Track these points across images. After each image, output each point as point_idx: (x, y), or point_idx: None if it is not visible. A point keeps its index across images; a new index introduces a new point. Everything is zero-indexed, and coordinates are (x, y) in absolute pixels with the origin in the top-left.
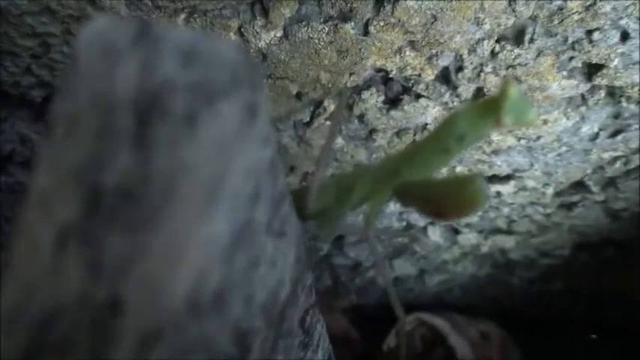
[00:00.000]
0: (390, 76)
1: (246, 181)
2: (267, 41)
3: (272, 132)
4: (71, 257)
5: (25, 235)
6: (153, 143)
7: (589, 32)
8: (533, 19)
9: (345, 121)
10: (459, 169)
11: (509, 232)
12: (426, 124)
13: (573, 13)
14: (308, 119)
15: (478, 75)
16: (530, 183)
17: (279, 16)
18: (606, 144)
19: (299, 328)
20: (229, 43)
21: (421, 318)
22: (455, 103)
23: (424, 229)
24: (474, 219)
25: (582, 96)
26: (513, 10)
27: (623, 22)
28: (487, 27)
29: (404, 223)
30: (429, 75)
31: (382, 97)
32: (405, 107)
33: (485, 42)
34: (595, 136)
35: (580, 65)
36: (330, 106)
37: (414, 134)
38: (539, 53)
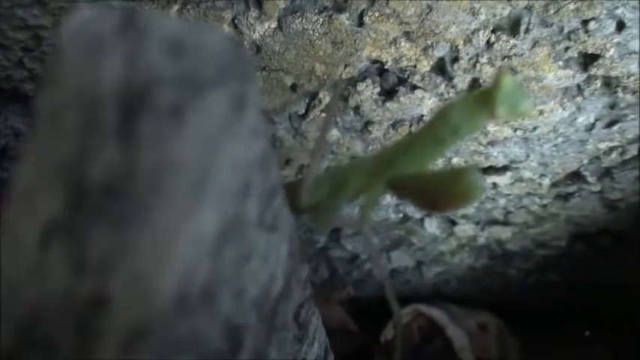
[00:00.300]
0: (386, 67)
1: (234, 175)
2: (262, 33)
3: (263, 124)
4: (56, 254)
5: (9, 232)
6: (138, 137)
7: (585, 22)
8: (529, 9)
9: (340, 113)
10: (455, 160)
11: (505, 223)
12: (422, 115)
13: (569, 3)
14: (303, 111)
15: (474, 66)
16: (527, 174)
17: (274, 7)
18: (602, 134)
19: (293, 322)
20: (218, 33)
21: (419, 309)
22: (451, 94)
23: (421, 220)
24: (470, 210)
25: (578, 86)
26: (509, 0)
27: (619, 11)
28: (483, 17)
29: (400, 215)
30: (425, 66)
31: (378, 89)
32: (401, 99)
33: (481, 32)
34: (591, 127)
35: (576, 55)
36: (326, 97)
37: (410, 126)
38: (535, 43)
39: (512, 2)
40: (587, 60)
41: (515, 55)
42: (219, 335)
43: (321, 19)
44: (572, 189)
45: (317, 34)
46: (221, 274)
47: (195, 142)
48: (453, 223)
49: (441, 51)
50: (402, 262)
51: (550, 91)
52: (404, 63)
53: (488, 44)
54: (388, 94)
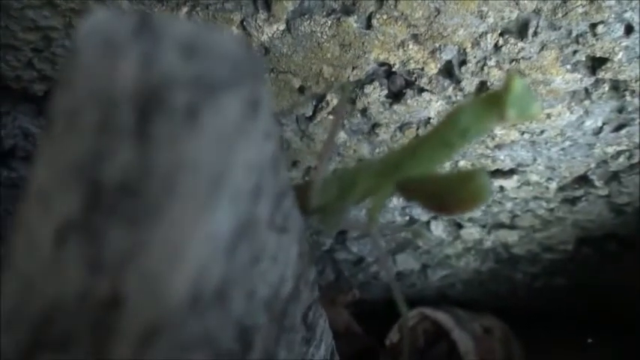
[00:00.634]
0: (393, 70)
1: (247, 176)
2: (270, 35)
3: (274, 126)
4: (71, 253)
5: (25, 231)
6: (153, 138)
7: (593, 25)
8: (537, 12)
9: (347, 116)
10: (462, 163)
11: (512, 226)
12: (429, 118)
13: (577, 6)
14: (311, 113)
15: (481, 69)
16: (534, 177)
17: (282, 10)
18: (610, 138)
19: (301, 324)
20: (231, 35)
21: (424, 312)
22: (458, 97)
23: (427, 223)
24: (476, 213)
25: (586, 90)
26: (517, 4)
27: (627, 15)
28: (491, 20)
29: (407, 218)
30: (432, 69)
31: (385, 91)
32: (408, 101)
33: (489, 35)
34: (599, 131)
35: (584, 59)
36: (333, 100)
37: (417, 129)
38: (543, 47)
39: (520, 5)
40: (595, 63)
41: (523, 58)
42: (230, 335)
43: (329, 22)
44: (579, 193)
45: (325, 37)
46: (234, 274)
47: (209, 143)
48: (460, 226)
49: (448, 54)
50: (408, 265)
51: (558, 95)
52: (411, 66)
53: (496, 47)
54: (395, 96)
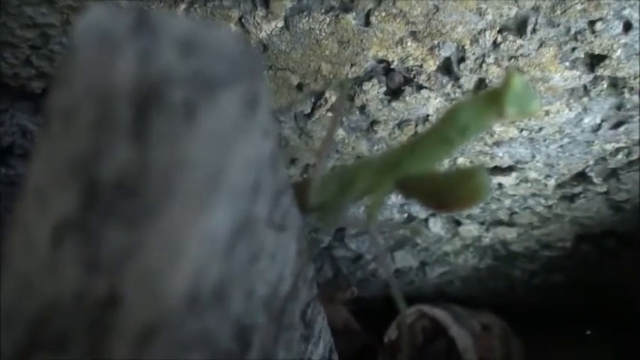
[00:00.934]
0: (392, 67)
1: (246, 174)
2: (268, 32)
3: (272, 124)
4: (68, 252)
5: (22, 230)
6: (151, 135)
7: (592, 23)
8: (536, 9)
9: (346, 113)
10: (460, 160)
11: (510, 223)
12: (428, 115)
13: (576, 4)
14: (309, 111)
15: (480, 66)
16: (532, 174)
17: (280, 7)
18: (608, 135)
19: (300, 322)
20: (229, 32)
21: (422, 310)
22: (457, 94)
23: (425, 220)
24: (475, 211)
25: (585, 87)
26: (515, 1)
27: (626, 12)
28: (489, 17)
29: (405, 215)
30: (431, 66)
31: (384, 89)
32: (407, 98)
33: (488, 32)
34: (597, 128)
35: (582, 56)
36: (331, 97)
37: (416, 126)
38: (542, 44)
39: (519, 3)
40: (594, 61)
41: (521, 55)
42: (229, 335)
43: (328, 19)
44: (577, 190)
45: (323, 34)
46: (233, 273)
47: (207, 141)
48: (458, 223)
49: (447, 51)
50: (406, 263)
51: (556, 92)
52: (410, 63)
53: (495, 44)
54: (394, 93)
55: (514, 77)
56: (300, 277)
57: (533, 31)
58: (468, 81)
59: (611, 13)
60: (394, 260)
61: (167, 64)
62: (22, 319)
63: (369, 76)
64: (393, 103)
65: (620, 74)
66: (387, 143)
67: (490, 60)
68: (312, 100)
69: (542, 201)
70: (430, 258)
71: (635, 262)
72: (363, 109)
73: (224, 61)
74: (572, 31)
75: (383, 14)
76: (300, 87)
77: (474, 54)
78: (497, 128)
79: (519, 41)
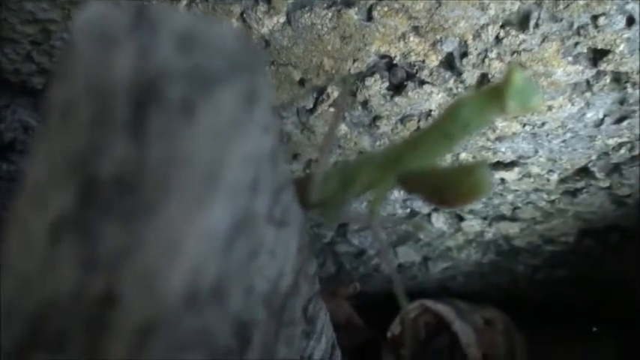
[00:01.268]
0: (394, 62)
1: (244, 170)
2: (270, 27)
3: (273, 119)
4: (66, 249)
5: (20, 228)
6: (149, 132)
7: (595, 17)
8: (539, 4)
9: (348, 108)
10: (463, 155)
11: (513, 218)
12: (431, 110)
13: None
14: (311, 106)
15: (483, 61)
16: (535, 169)
17: (282, 2)
18: (611, 130)
19: (301, 318)
20: (228, 27)
21: (425, 304)
22: (459, 90)
23: (428, 215)
24: (477, 206)
25: (587, 82)
26: None
27: (629, 6)
28: (492, 12)
29: (408, 210)
30: (434, 61)
31: (386, 84)
32: (409, 94)
33: (490, 27)
34: (600, 122)
35: (585, 51)
36: (334, 92)
37: (418, 121)
38: (544, 39)
39: None
40: (597, 55)
41: (524, 50)
42: (228, 332)
43: (330, 14)
44: (580, 185)
45: (325, 29)
46: (231, 269)
47: (205, 137)
48: (461, 218)
49: (449, 46)
50: (409, 258)
51: (559, 87)
52: (412, 58)
53: (498, 39)
54: (397, 89)
55: (515, 72)
56: (301, 273)
57: (536, 25)
58: (471, 76)
59: (614, 7)
60: (397, 255)
61: (166, 59)
62: (22, 317)
63: (371, 71)
64: (396, 99)
65: (623, 69)
66: (389, 138)
67: (493, 55)
68: (315, 96)
69: (545, 196)
70: (433, 253)
71: (638, 257)
72: (365, 104)
73: (223, 56)
74: (575, 26)
75: (385, 9)
76: (302, 82)
77: (476, 49)
78: (500, 123)
79: (522, 36)
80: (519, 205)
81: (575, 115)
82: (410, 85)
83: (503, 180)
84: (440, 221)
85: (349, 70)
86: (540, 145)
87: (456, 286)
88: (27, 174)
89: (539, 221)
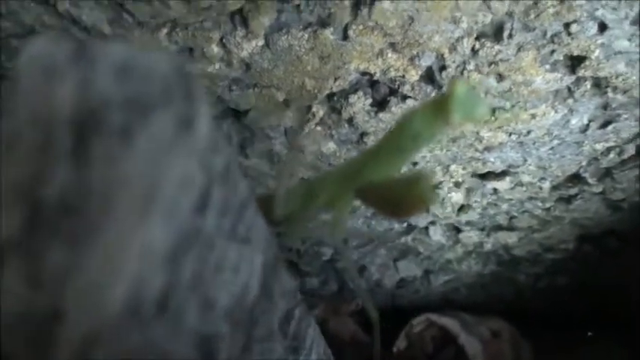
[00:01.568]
0: (375, 78)
1: (185, 190)
2: (250, 51)
3: (222, 141)
4: (12, 271)
5: None
6: (90, 158)
7: (567, 25)
8: (510, 14)
9: (334, 126)
10: (453, 167)
11: (510, 228)
12: None
13: (548, 7)
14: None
15: (462, 73)
16: (526, 178)
17: (259, 25)
18: (597, 135)
19: (279, 333)
20: (165, 56)
21: (430, 318)
22: None
23: (425, 229)
24: (474, 217)
25: (568, 88)
26: (489, 7)
27: (599, 13)
28: (465, 25)
29: (405, 225)
30: (414, 75)
31: (370, 100)
32: (393, 109)
33: (465, 40)
34: (585, 128)
35: (562, 58)
36: (319, 111)
37: None
38: (520, 48)
39: (492, 9)
40: (574, 62)
41: (501, 60)
42: (186, 344)
43: (307, 35)
44: (573, 191)
45: (303, 50)
46: (180, 285)
47: (142, 161)
48: (458, 230)
49: (427, 60)
50: (410, 272)
51: (540, 95)
52: (392, 74)
53: (474, 51)
54: (380, 104)
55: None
56: (273, 288)
57: (510, 36)
58: None
59: (585, 14)
60: (398, 270)
61: (104, 90)
62: None
63: (354, 88)
64: (380, 114)
65: (601, 74)
66: None
67: (471, 67)
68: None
69: (540, 204)
70: (434, 266)
71: (634, 261)
72: (350, 121)
73: (157, 84)
74: (549, 34)
75: (360, 27)
76: (286, 103)
77: (454, 62)
78: (486, 134)
79: (497, 47)
80: (515, 214)
81: (559, 122)
82: (393, 100)
83: (495, 190)
84: (437, 234)
85: (331, 88)
86: (528, 154)
87: (459, 298)
88: None
89: (536, 229)
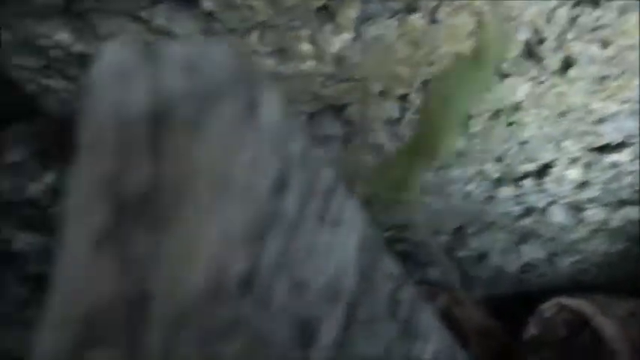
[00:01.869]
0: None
1: (258, 174)
2: (340, 45)
3: (297, 129)
4: (106, 258)
5: (65, 244)
6: (165, 150)
7: None
8: None
9: None
10: (565, 143)
11: (635, 202)
12: (518, 102)
13: None
14: (398, 115)
15: (561, 44)
16: None
17: (346, 19)
18: None
19: (388, 317)
20: (224, 48)
21: (561, 302)
22: (544, 77)
23: (544, 210)
24: (595, 193)
25: None
26: None
27: None
28: None
29: (524, 207)
30: (512, 52)
31: None
32: (494, 88)
33: (562, 9)
34: None
35: None
36: (417, 99)
37: (507, 115)
38: (622, 11)
39: None
40: None
41: (603, 26)
42: (282, 325)
43: (395, 22)
44: None
45: (393, 38)
46: (265, 265)
47: (213, 148)
48: (580, 209)
49: (523, 34)
50: (534, 255)
51: None
52: None
53: (572, 20)
54: None
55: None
56: (373, 270)
57: None
58: (553, 61)
59: None
60: (521, 254)
61: (173, 86)
62: (72, 321)
63: None
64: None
65: None
66: (484, 136)
67: (571, 36)
68: (398, 105)
69: None
70: (558, 248)
71: None
72: None
73: (221, 75)
74: None
75: (448, 9)
76: (382, 94)
77: (551, 33)
78: (596, 105)
79: (597, 12)
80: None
81: None
82: (494, 79)
83: (615, 163)
84: (558, 214)
85: (426, 74)
86: None
87: (588, 279)
88: (68, 201)
89: None
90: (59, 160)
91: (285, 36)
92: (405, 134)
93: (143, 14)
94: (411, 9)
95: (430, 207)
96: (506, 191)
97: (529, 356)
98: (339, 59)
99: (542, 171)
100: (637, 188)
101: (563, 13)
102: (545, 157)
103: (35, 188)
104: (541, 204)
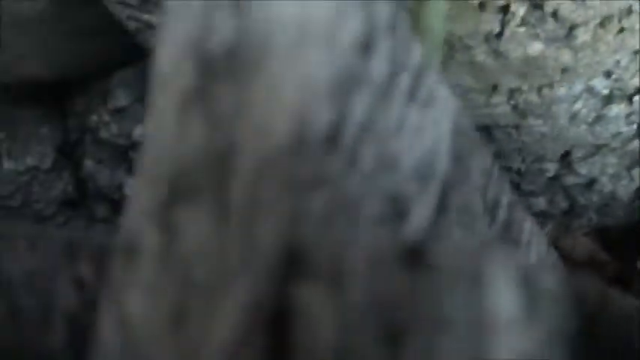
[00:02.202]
0: None
1: (340, 27)
2: None
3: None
4: (193, 114)
5: (154, 109)
6: (248, 5)
7: None
8: None
9: (538, 24)
10: None
11: None
12: (630, 5)
13: None
14: (498, 29)
15: None
16: None
17: None
18: None
19: (485, 215)
20: None
21: None
22: None
23: None
24: None
25: None
26: None
27: None
28: None
29: (634, 127)
30: None
31: None
32: None
33: None
34: None
35: None
36: (519, 9)
37: (620, 21)
38: None
39: None
40: None
41: None
42: (372, 196)
43: None
44: None
45: None
46: (351, 123)
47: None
48: None
49: None
50: None
51: None
52: None
53: None
54: None
55: None
56: (467, 160)
57: None
58: None
59: None
60: (633, 179)
61: None
62: (162, 178)
63: None
64: (588, 0)
65: None
66: (591, 47)
67: None
68: (499, 18)
69: None
70: None
71: None
72: (555, 15)
73: None
74: None
75: None
76: (482, 6)
77: None
78: None
79: None
80: None
81: None
82: None
83: None
84: None
85: None
86: None
87: None
88: (155, 67)
89: None
90: None
91: None
92: (507, 50)
93: None
94: None
95: (533, 130)
96: (617, 109)
97: None
98: None
99: None
100: None
101: None
102: None
103: (141, 132)
104: None
